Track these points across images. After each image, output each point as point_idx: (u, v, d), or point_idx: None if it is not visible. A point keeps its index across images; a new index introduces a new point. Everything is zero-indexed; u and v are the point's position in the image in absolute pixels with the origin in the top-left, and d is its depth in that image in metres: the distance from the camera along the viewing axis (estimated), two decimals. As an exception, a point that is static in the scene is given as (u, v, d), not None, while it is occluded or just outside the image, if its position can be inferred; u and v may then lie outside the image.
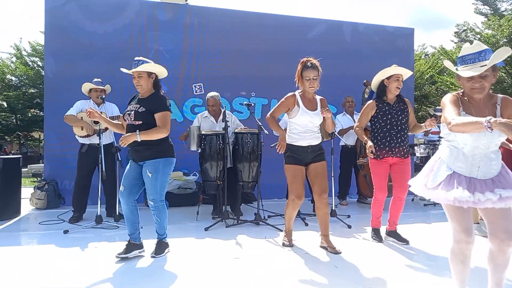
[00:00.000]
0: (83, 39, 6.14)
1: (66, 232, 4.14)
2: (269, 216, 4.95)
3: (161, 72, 3.41)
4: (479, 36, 16.84)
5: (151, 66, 3.32)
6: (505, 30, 15.32)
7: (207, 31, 6.69)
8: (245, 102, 4.95)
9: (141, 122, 3.21)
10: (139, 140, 3.14)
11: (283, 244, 3.68)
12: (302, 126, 3.50)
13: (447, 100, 2.19)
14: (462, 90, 2.24)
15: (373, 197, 3.89)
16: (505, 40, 15.60)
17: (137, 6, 6.43)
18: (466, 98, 2.19)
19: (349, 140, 5.95)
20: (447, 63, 2.25)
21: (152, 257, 3.28)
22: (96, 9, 6.24)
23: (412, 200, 6.61)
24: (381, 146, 3.73)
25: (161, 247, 3.38)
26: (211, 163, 4.76)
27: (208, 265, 3.14)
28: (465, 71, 2.10)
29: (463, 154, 2.13)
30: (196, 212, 4.96)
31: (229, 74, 6.81)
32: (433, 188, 2.15)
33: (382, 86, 3.78)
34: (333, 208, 4.82)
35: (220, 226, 4.43)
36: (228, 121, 4.69)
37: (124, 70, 3.43)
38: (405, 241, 3.81)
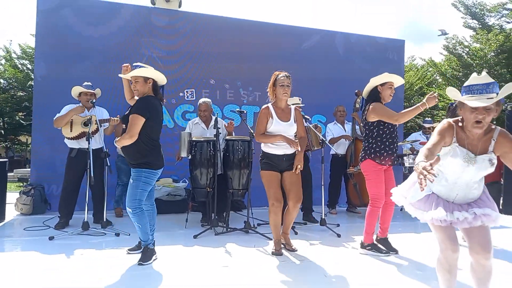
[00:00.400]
0: (75, 43, 6.09)
1: (51, 238, 4.06)
2: (258, 224, 4.93)
3: (158, 78, 3.40)
4: (467, 49, 17.15)
5: (146, 71, 3.30)
6: (492, 44, 15.64)
7: (201, 37, 6.69)
8: (237, 109, 4.95)
9: (124, 126, 3.30)
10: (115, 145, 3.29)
11: (272, 253, 3.66)
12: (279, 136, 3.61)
13: (437, 128, 2.19)
14: (460, 117, 2.20)
15: (372, 206, 3.72)
16: (493, 53, 15.92)
17: (131, 11, 6.41)
18: (463, 130, 2.16)
19: (339, 149, 5.98)
20: (451, 92, 2.17)
21: (139, 264, 3.22)
22: (89, 13, 6.20)
23: (401, 210, 6.63)
24: (389, 152, 3.70)
25: (146, 254, 3.32)
26: (201, 170, 4.73)
27: (196, 273, 3.10)
28: (471, 101, 2.03)
29: (445, 179, 2.16)
30: (185, 219, 4.91)
31: (222, 81, 6.81)
32: (413, 204, 2.20)
33: (376, 93, 3.77)
34: (323, 217, 4.82)
35: (209, 234, 4.39)
36: (220, 128, 4.68)
37: (121, 75, 3.42)
38: (394, 251, 3.80)
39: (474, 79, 2.11)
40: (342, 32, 7.72)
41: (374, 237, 3.89)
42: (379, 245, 3.81)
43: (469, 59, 16.43)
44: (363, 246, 3.84)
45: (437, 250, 2.23)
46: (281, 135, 3.58)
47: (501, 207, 6.45)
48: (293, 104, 5.31)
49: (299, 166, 3.66)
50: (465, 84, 2.13)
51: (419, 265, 3.46)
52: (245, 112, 5.34)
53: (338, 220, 5.51)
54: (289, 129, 3.66)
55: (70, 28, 6.08)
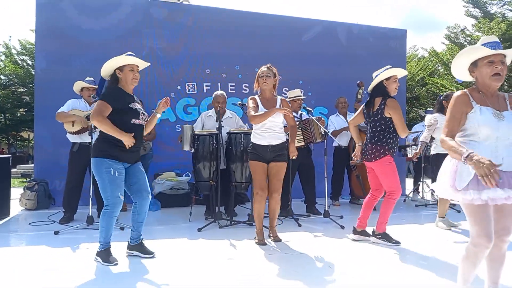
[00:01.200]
0: (76, 37, 6.07)
1: (56, 233, 4.08)
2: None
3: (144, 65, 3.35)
4: (469, 38, 17.03)
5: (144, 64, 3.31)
6: (495, 33, 15.49)
7: (202, 30, 6.66)
8: (239, 102, 4.92)
9: (145, 122, 3.33)
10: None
11: (256, 243, 3.75)
12: (262, 125, 3.71)
13: (451, 105, 2.21)
14: (472, 87, 2.26)
15: (390, 198, 3.72)
16: (495, 42, 15.75)
17: (132, 4, 6.38)
18: (480, 92, 2.21)
19: (342, 141, 5.97)
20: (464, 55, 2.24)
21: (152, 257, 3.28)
22: (89, 6, 6.17)
23: (404, 201, 6.65)
24: (397, 145, 3.82)
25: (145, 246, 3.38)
26: (204, 163, 4.73)
27: (202, 266, 3.11)
28: (492, 51, 2.15)
29: (486, 146, 2.13)
30: (189, 212, 4.92)
31: (223, 74, 6.79)
32: (463, 189, 2.09)
33: (382, 87, 3.75)
34: (326, 209, 4.83)
35: (213, 227, 4.40)
36: (222, 121, 4.67)
37: (139, 60, 3.22)
38: (396, 243, 3.78)
39: (487, 38, 2.24)
40: (344, 22, 7.69)
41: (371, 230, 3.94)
42: (390, 235, 3.83)
43: (471, 48, 16.29)
44: (374, 234, 3.90)
45: (466, 244, 2.17)
46: (269, 111, 3.66)
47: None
48: (295, 97, 5.33)
49: (293, 156, 3.87)
50: (479, 44, 2.23)
51: (423, 256, 3.46)
52: (246, 104, 5.32)
53: (342, 211, 5.52)
54: (274, 117, 3.71)
55: (70, 21, 6.06)
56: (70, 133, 4.77)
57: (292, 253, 3.52)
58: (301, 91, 5.74)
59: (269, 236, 3.95)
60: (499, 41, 2.24)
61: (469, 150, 1.97)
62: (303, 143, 5.16)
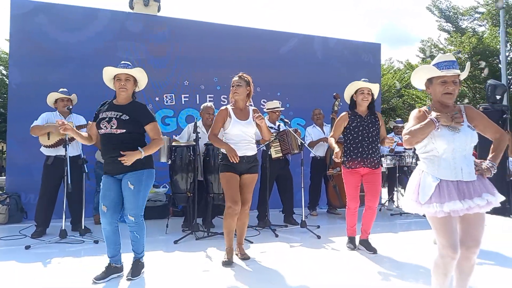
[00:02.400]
0: (51, 48, 6.00)
1: (27, 247, 3.98)
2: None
3: (143, 83, 3.27)
4: (442, 51, 17.61)
5: (143, 73, 3.20)
6: (466, 47, 16.10)
7: (180, 42, 6.69)
8: (216, 114, 4.96)
9: (124, 130, 2.96)
10: (142, 157, 2.98)
11: (223, 263, 3.43)
12: (236, 136, 3.59)
13: (411, 116, 2.36)
14: (427, 106, 2.37)
15: (346, 207, 4.03)
16: (467, 56, 16.38)
17: (108, 16, 6.36)
18: (434, 109, 2.32)
19: (318, 151, 6.06)
20: (417, 76, 2.40)
21: (129, 279, 3.00)
22: (65, 18, 6.12)
23: (380, 210, 6.76)
24: (354, 156, 3.87)
25: (137, 267, 3.10)
26: (181, 175, 4.72)
27: (176, 278, 3.10)
28: (442, 73, 2.27)
29: (444, 159, 2.22)
30: (166, 225, 4.88)
31: (200, 86, 6.81)
32: (427, 203, 2.18)
33: (353, 100, 3.99)
34: (303, 219, 4.87)
35: (190, 239, 4.38)
36: (199, 133, 4.68)
37: (112, 68, 3.10)
38: (373, 250, 3.90)
39: (442, 57, 2.33)
40: (320, 36, 7.84)
41: (358, 238, 4.07)
42: (353, 242, 4.06)
43: (444, 61, 16.85)
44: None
45: (435, 254, 2.25)
46: (226, 144, 3.55)
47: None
48: (273, 108, 5.40)
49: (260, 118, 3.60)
50: (433, 63, 2.33)
51: (399, 264, 3.54)
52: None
53: (319, 221, 5.57)
54: (248, 127, 3.62)
55: (45, 33, 5.99)
56: (46, 146, 4.69)
57: (268, 263, 3.53)
58: (279, 103, 5.82)
59: (236, 254, 3.67)
60: (455, 59, 2.31)
61: (431, 117, 2.19)
62: (280, 154, 5.22)
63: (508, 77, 14.31)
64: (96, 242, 4.21)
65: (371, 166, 3.87)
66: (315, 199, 6.30)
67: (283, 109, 5.78)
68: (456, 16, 17.77)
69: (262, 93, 6.90)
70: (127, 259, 3.19)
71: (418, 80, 2.41)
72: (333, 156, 3.89)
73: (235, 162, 3.47)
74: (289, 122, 5.08)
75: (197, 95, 6.76)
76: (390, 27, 53.28)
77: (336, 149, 3.75)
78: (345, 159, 3.92)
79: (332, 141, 3.95)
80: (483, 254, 3.83)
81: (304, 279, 3.09)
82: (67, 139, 4.26)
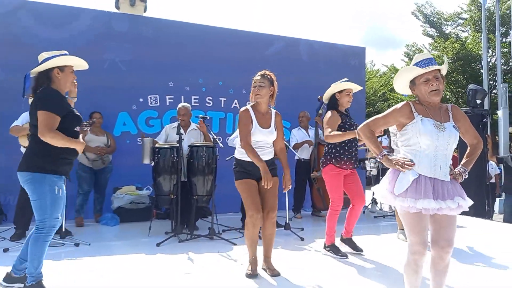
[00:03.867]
0: (33, 46, 5.86)
1: (6, 250, 3.89)
2: (223, 230, 4.92)
3: (81, 65, 3.07)
4: (426, 56, 17.86)
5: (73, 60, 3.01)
6: (449, 52, 16.40)
7: (165, 43, 6.64)
8: (200, 116, 4.95)
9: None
10: None
11: (246, 275, 3.16)
12: (254, 143, 3.22)
13: (390, 110, 2.38)
14: (416, 100, 2.38)
15: (331, 209, 3.83)
16: (450, 61, 16.70)
17: (92, 16, 6.28)
18: (421, 104, 2.34)
19: (303, 154, 6.09)
20: (399, 79, 2.45)
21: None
22: (48, 17, 6.01)
23: (363, 212, 6.82)
24: (348, 156, 3.82)
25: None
26: (164, 176, 4.69)
27: (157, 281, 3.07)
28: (424, 69, 2.29)
29: (426, 155, 2.24)
30: (149, 227, 4.83)
31: (186, 87, 6.78)
32: (401, 195, 2.20)
33: (334, 99, 3.94)
34: (287, 221, 4.88)
35: (173, 241, 4.34)
36: (182, 134, 4.66)
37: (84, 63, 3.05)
38: (360, 250, 3.92)
39: (420, 56, 2.37)
40: (306, 39, 7.89)
41: (338, 238, 4.01)
42: (339, 247, 3.89)
43: (428, 66, 17.16)
44: (325, 247, 3.94)
45: (404, 252, 2.30)
46: (263, 164, 3.13)
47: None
48: None
49: (289, 186, 3.38)
50: (412, 63, 2.36)
51: (382, 266, 3.57)
52: (208, 117, 5.34)
53: (303, 224, 5.59)
54: (270, 137, 3.27)
55: (27, 32, 5.88)
56: (25, 147, 4.59)
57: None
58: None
59: (264, 269, 3.30)
60: (432, 57, 2.36)
61: (384, 152, 2.27)
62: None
63: (490, 82, 14.62)
64: (76, 245, 4.15)
65: (354, 166, 3.92)
66: (300, 201, 6.32)
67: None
68: (440, 21, 18.12)
69: (248, 95, 6.87)
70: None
71: (401, 85, 2.44)
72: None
73: (266, 187, 3.11)
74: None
75: (182, 97, 6.72)
76: (375, 31, 53.94)
77: (353, 134, 3.61)
78: (338, 159, 3.77)
79: (339, 133, 3.68)
80: (463, 255, 3.91)
81: (285, 282, 3.09)
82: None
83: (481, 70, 14.90)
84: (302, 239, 4.59)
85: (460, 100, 16.95)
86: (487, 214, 6.81)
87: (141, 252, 3.97)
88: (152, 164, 4.73)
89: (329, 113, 3.87)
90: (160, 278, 3.15)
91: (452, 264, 3.25)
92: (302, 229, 5.18)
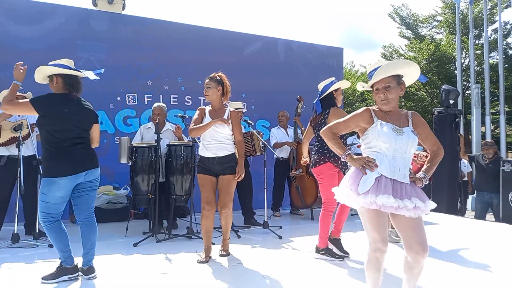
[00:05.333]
0: (3, 43, 5.71)
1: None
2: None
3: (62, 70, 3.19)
4: (403, 57, 18.27)
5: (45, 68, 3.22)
6: (425, 53, 16.79)
7: (143, 41, 6.57)
8: (179, 114, 4.92)
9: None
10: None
11: (198, 261, 3.53)
12: (209, 137, 3.62)
13: (352, 114, 2.47)
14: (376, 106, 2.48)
15: (325, 210, 3.68)
16: (425, 62, 17.10)
17: (68, 13, 6.14)
18: (381, 110, 2.42)
19: (282, 153, 6.14)
20: (359, 85, 2.59)
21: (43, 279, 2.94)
22: (20, 13, 5.85)
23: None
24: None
25: (54, 271, 3.01)
26: (142, 176, 4.64)
27: (133, 281, 3.04)
28: (369, 83, 2.45)
29: (385, 156, 2.31)
30: (126, 227, 4.78)
31: (164, 86, 6.73)
32: (364, 194, 2.24)
33: (332, 98, 3.84)
34: (265, 220, 4.92)
35: (151, 241, 4.31)
36: (161, 133, 4.63)
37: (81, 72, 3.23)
38: (346, 253, 3.77)
39: (370, 66, 2.50)
40: (284, 39, 7.95)
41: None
42: (334, 250, 3.74)
43: (404, 66, 17.53)
44: (317, 250, 3.78)
45: (366, 250, 2.33)
46: (209, 122, 3.57)
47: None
48: (236, 109, 5.41)
49: (242, 175, 3.63)
50: (368, 71, 2.50)
51: (358, 262, 3.63)
52: (187, 117, 5.32)
53: (282, 222, 5.64)
54: (220, 128, 3.61)
55: (-2, 27, 5.70)
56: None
57: (227, 264, 3.54)
58: (243, 104, 5.85)
59: (220, 251, 3.79)
60: (380, 65, 2.40)
61: (348, 151, 2.40)
62: (243, 156, 5.23)
63: (463, 82, 15.06)
64: (50, 246, 4.04)
65: (346, 167, 3.74)
66: (279, 200, 6.37)
67: (245, 110, 5.81)
68: (416, 23, 18.53)
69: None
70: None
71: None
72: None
73: (223, 122, 3.55)
74: (252, 123, 5.11)
75: (161, 95, 6.67)
76: (353, 32, 54.69)
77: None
78: (336, 158, 3.61)
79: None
80: (436, 252, 4.03)
81: (263, 279, 3.12)
82: (20, 138, 4.10)
83: (455, 71, 15.32)
84: (280, 237, 4.63)
85: (435, 100, 17.38)
86: (459, 211, 7.02)
87: (117, 252, 3.93)
88: (130, 163, 4.68)
89: (337, 109, 3.78)
90: (137, 278, 3.13)
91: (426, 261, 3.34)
92: (281, 227, 5.22)
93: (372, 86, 2.42)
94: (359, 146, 7.27)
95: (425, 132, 2.43)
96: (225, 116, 3.65)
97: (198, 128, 3.60)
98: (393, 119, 2.38)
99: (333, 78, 4.01)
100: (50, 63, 3.17)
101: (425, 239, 2.28)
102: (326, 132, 2.49)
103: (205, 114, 3.68)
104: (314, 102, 3.96)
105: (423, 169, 2.40)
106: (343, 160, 2.42)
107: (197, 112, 3.74)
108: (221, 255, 3.74)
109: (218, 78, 3.71)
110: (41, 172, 4.07)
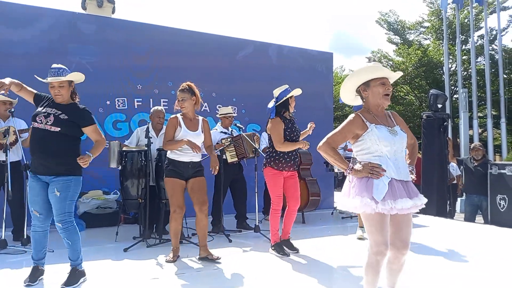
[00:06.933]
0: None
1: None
2: (193, 234, 4.86)
3: (80, 80, 3.24)
4: (391, 62, 18.49)
5: (75, 75, 3.15)
6: (413, 58, 17.03)
7: (133, 45, 6.51)
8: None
9: (59, 129, 2.94)
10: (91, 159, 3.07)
11: (166, 261, 3.67)
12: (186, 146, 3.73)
13: (345, 123, 2.40)
14: (362, 109, 2.46)
15: (271, 209, 4.06)
16: (413, 67, 17.32)
17: (56, 16, 6.06)
18: (370, 113, 2.41)
19: (273, 157, 6.13)
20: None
21: None
22: (7, 16, 5.76)
23: (332, 213, 6.96)
24: (287, 159, 3.99)
25: (75, 276, 3.00)
26: (132, 180, 4.60)
27: (124, 287, 3.00)
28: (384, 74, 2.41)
29: (388, 159, 2.31)
30: (116, 232, 4.72)
31: (154, 90, 6.69)
32: (382, 201, 2.21)
33: (287, 104, 4.10)
34: (256, 224, 4.90)
35: (141, 246, 4.27)
36: (151, 137, 4.60)
37: (42, 80, 3.13)
38: (295, 250, 4.08)
39: (371, 64, 2.53)
40: (275, 43, 7.98)
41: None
42: (283, 247, 4.05)
43: (393, 71, 17.75)
44: (271, 246, 4.11)
45: (366, 252, 2.32)
46: (186, 139, 3.69)
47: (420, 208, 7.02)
48: (225, 114, 5.42)
49: (216, 167, 3.84)
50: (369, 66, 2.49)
51: (349, 266, 3.64)
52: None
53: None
54: (197, 138, 3.80)
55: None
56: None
57: (219, 269, 3.52)
58: (233, 108, 5.86)
59: (203, 258, 3.74)
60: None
61: (351, 165, 2.31)
62: (236, 159, 5.22)
63: (451, 87, 15.29)
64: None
65: (294, 169, 4.09)
66: (269, 203, 6.32)
67: (235, 115, 5.81)
68: (403, 29, 18.80)
69: (218, 98, 6.91)
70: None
71: (348, 90, 2.49)
72: (304, 147, 3.94)
73: (197, 152, 3.71)
74: (242, 127, 5.12)
75: (151, 99, 6.63)
76: (341, 37, 55.23)
77: (301, 144, 3.90)
78: (276, 161, 3.97)
79: (290, 144, 3.94)
80: (425, 254, 4.07)
81: (254, 282, 3.11)
82: (7, 143, 4.04)
83: (443, 76, 15.55)
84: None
85: (424, 104, 17.61)
86: (448, 213, 7.09)
87: (108, 257, 3.88)
88: (119, 168, 4.64)
89: (276, 121, 4.01)
90: (127, 283, 3.09)
91: (414, 262, 3.40)
92: (272, 231, 5.20)
93: (370, 81, 2.38)
94: (349, 150, 7.37)
95: (405, 129, 2.50)
96: (199, 125, 3.88)
97: (173, 145, 3.73)
98: (383, 121, 2.40)
99: (287, 86, 4.19)
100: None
101: (409, 237, 2.33)
102: (325, 148, 2.37)
103: (180, 124, 3.79)
104: (270, 107, 4.19)
105: (408, 162, 2.47)
106: (347, 174, 2.35)
107: (170, 122, 3.81)
108: (216, 261, 3.72)
109: (189, 88, 3.83)
110: (28, 178, 4.02)
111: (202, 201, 3.77)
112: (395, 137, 2.34)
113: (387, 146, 2.31)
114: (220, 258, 3.73)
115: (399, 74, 2.51)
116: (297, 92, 4.13)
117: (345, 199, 2.36)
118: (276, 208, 4.04)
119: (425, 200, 2.36)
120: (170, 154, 3.81)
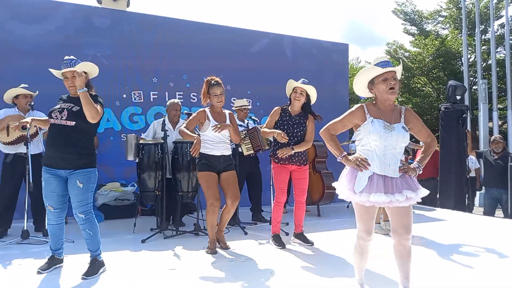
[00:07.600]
0: (6, 42, 5.72)
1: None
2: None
3: (93, 71, 3.27)
4: (407, 53, 18.14)
5: (86, 66, 3.19)
6: (430, 49, 16.67)
7: (148, 39, 6.56)
8: (185, 112, 4.93)
9: (74, 123, 3.01)
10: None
11: (207, 252, 3.78)
12: (215, 138, 3.85)
13: (347, 112, 2.57)
14: (371, 101, 2.57)
15: (274, 201, 4.14)
16: (430, 58, 16.96)
17: (71, 10, 6.14)
18: (375, 106, 2.52)
19: (288, 149, 6.11)
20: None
21: (83, 279, 2.96)
22: (22, 11, 5.83)
23: (347, 207, 6.92)
24: (288, 155, 3.99)
25: (95, 266, 3.08)
26: (149, 173, 4.65)
27: (141, 277, 3.06)
28: (384, 69, 2.46)
29: (376, 154, 2.43)
30: (133, 224, 4.80)
31: (170, 83, 6.73)
32: (360, 192, 2.42)
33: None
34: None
35: (158, 238, 4.33)
36: (168, 130, 4.64)
37: (54, 71, 3.22)
38: (310, 243, 4.09)
39: (379, 58, 2.53)
40: (290, 35, 7.91)
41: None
42: (281, 238, 4.12)
43: (409, 62, 17.41)
44: (271, 236, 4.20)
45: (354, 238, 2.61)
46: (195, 136, 3.73)
47: (438, 202, 6.93)
48: (241, 106, 5.42)
49: (218, 126, 3.83)
50: (373, 64, 2.52)
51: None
52: (193, 114, 5.34)
53: (288, 219, 5.61)
54: (226, 132, 3.90)
55: (0, 28, 5.71)
56: (4, 143, 4.50)
57: (235, 261, 3.55)
58: (248, 101, 5.84)
59: (218, 242, 3.95)
60: (389, 60, 2.53)
61: (344, 153, 2.51)
62: (252, 151, 5.22)
63: (470, 78, 14.95)
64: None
65: (299, 163, 4.07)
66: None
67: (251, 107, 5.80)
68: (420, 19, 18.39)
69: (232, 91, 6.90)
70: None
71: (360, 84, 2.57)
72: (276, 137, 3.90)
73: (194, 155, 3.71)
74: (257, 120, 5.12)
75: (166, 93, 6.68)
76: (356, 28, 54.39)
77: (277, 131, 3.89)
78: (274, 155, 4.03)
79: (266, 129, 4.08)
80: (444, 248, 4.02)
81: (270, 275, 3.12)
82: (28, 136, 4.11)
83: (462, 67, 15.20)
84: (287, 233, 4.63)
85: (441, 96, 17.27)
86: (467, 207, 6.97)
87: (126, 248, 3.95)
88: (137, 160, 4.70)
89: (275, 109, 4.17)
90: (145, 274, 3.14)
91: (430, 256, 3.37)
92: (287, 223, 5.21)
93: (373, 79, 2.49)
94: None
95: (418, 126, 2.55)
96: (227, 120, 3.97)
97: (185, 134, 3.79)
98: (386, 116, 2.48)
99: (302, 79, 4.19)
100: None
101: (410, 224, 2.46)
102: (324, 134, 2.61)
103: (208, 118, 3.87)
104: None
105: (417, 159, 2.53)
106: (339, 161, 2.54)
107: (197, 115, 3.91)
108: (225, 249, 3.91)
109: (221, 82, 3.91)
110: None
111: (235, 196, 3.87)
112: (389, 133, 2.41)
113: (376, 141, 2.42)
114: (229, 248, 3.89)
115: (399, 67, 2.54)
116: (292, 84, 4.21)
117: (337, 184, 2.61)
118: (278, 201, 4.10)
119: (417, 194, 2.42)
120: (203, 149, 3.84)
